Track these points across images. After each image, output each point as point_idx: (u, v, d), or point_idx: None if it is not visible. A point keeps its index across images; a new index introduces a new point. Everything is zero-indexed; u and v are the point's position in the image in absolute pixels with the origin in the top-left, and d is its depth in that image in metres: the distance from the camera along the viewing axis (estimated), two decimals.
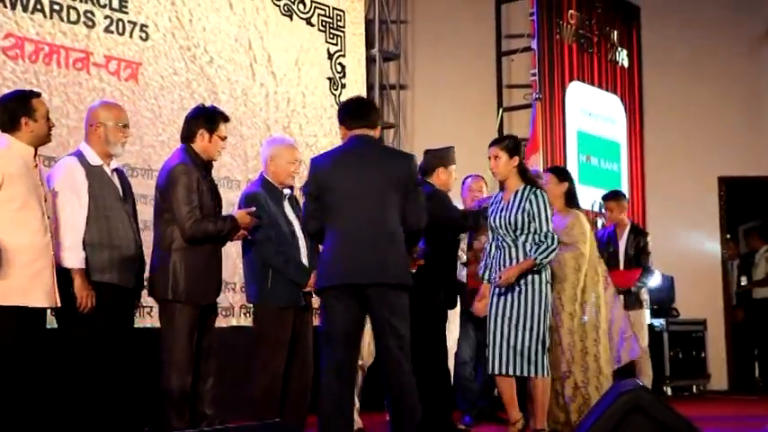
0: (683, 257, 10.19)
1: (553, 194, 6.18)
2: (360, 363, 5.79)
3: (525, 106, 9.16)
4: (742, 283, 10.92)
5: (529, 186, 5.47)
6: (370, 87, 9.32)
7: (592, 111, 9.62)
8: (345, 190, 4.49)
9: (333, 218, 4.50)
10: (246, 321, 7.04)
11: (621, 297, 6.94)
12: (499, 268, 5.46)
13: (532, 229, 5.41)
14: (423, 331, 5.24)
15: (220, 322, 6.71)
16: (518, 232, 5.43)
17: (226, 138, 5.09)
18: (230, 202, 6.20)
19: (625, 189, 10.00)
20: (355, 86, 8.70)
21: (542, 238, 5.37)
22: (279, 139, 5.80)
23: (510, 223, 5.43)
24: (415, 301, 4.66)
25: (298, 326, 5.16)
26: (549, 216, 5.42)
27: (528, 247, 5.39)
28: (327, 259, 4.50)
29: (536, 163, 8.14)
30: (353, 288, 4.42)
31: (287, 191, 5.35)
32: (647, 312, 8.10)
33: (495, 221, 5.51)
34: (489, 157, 5.56)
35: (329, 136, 8.34)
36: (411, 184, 4.60)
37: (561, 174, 6.47)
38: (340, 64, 8.61)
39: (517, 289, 5.38)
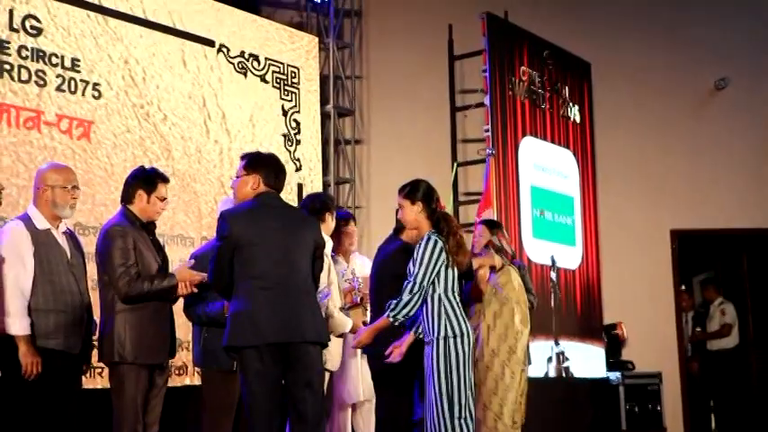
0: (637, 309, 10.26)
1: (481, 247, 6.31)
2: (361, 399, 5.94)
3: (479, 161, 9.22)
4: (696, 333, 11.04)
5: (429, 232, 4.91)
6: (325, 142, 9.39)
7: (545, 165, 9.70)
8: (264, 245, 4.39)
9: (248, 272, 4.38)
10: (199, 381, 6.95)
11: None
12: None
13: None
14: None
15: (174, 381, 6.74)
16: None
17: (165, 199, 5.08)
18: (184, 259, 6.11)
19: (579, 242, 10.09)
20: (310, 142, 8.77)
21: (407, 291, 4.79)
22: (230, 199, 5.76)
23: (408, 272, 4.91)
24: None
25: None
26: (427, 261, 4.77)
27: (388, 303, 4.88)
28: (245, 317, 4.34)
29: (490, 216, 8.14)
30: (275, 347, 4.32)
31: None
32: None
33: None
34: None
35: (284, 191, 8.25)
36: (319, 250, 4.64)
37: (492, 226, 6.47)
38: (295, 120, 8.65)
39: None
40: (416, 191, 5.00)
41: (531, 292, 6.61)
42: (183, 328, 6.55)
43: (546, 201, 9.64)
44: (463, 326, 4.79)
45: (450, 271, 4.84)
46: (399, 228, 5.72)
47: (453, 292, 4.85)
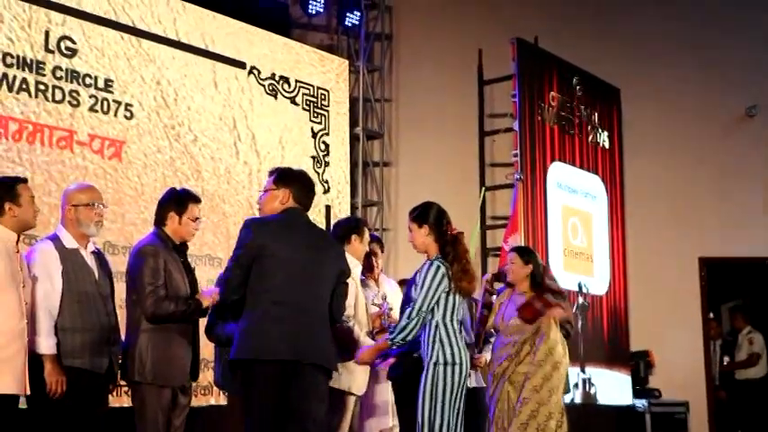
0: (665, 337, 10.18)
1: (518, 276, 6.06)
2: (389, 426, 5.82)
3: (507, 185, 9.22)
4: (724, 363, 10.92)
5: (434, 257, 4.84)
6: (353, 165, 9.43)
7: (574, 190, 9.68)
8: (285, 260, 4.28)
9: (264, 285, 4.26)
10: (224, 400, 6.92)
11: None
12: None
13: None
14: None
15: (198, 401, 6.82)
16: None
17: (198, 218, 5.08)
18: (212, 280, 6.20)
19: (607, 269, 10.04)
20: (339, 164, 8.80)
21: (405, 315, 4.77)
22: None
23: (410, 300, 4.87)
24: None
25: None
26: (427, 287, 4.73)
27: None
28: (255, 330, 4.25)
29: (515, 244, 8.09)
30: (282, 364, 4.22)
31: None
32: None
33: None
34: None
35: (312, 213, 8.24)
36: (343, 277, 4.55)
37: (525, 254, 6.20)
38: (324, 142, 8.68)
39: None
40: (425, 214, 4.91)
41: (568, 322, 6.44)
42: (209, 348, 6.60)
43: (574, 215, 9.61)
44: (456, 354, 4.72)
45: (451, 297, 4.78)
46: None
47: (452, 319, 4.78)
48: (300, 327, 4.24)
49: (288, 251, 4.29)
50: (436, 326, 4.74)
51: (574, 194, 9.71)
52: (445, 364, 4.68)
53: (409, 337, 4.74)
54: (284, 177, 4.58)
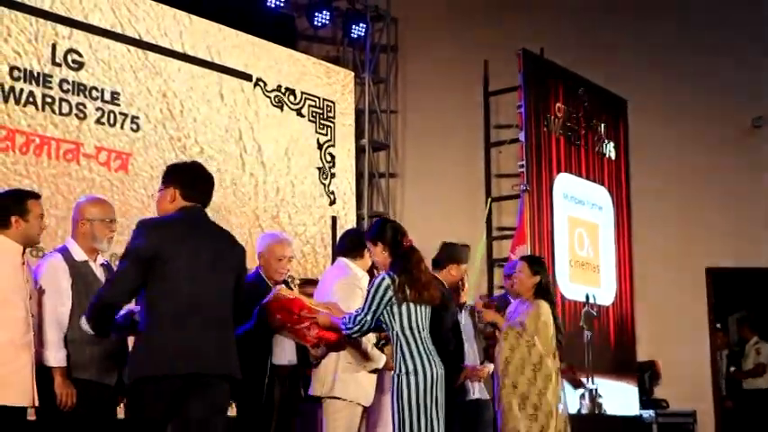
0: (672, 347, 10.15)
1: (524, 286, 6.03)
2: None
3: (514, 196, 9.20)
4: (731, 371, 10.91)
5: (383, 272, 4.82)
6: (359, 176, 9.45)
7: (580, 201, 9.68)
8: (182, 263, 3.92)
9: (158, 292, 3.89)
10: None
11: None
12: None
13: None
14: None
15: None
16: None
17: None
18: None
19: (613, 279, 10.03)
20: (345, 175, 8.85)
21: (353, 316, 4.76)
22: (273, 234, 5.79)
23: None
24: None
25: None
26: (369, 299, 4.70)
27: None
28: (154, 344, 3.88)
29: (524, 252, 8.05)
30: (179, 379, 3.87)
31: (280, 285, 5.27)
32: None
33: None
34: None
35: (318, 224, 8.40)
36: (243, 274, 4.30)
37: (535, 264, 6.14)
38: (330, 154, 8.72)
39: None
40: (377, 232, 4.90)
41: (559, 331, 6.36)
42: None
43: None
44: (418, 363, 4.67)
45: (404, 307, 4.72)
46: (439, 263, 5.86)
47: (412, 328, 4.72)
48: (202, 335, 3.91)
49: (184, 254, 3.94)
50: (396, 336, 4.73)
51: (580, 205, 9.71)
52: (407, 373, 4.65)
53: (353, 334, 4.78)
54: (169, 174, 4.21)
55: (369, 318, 4.71)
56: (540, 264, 6.20)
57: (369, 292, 4.74)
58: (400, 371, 4.66)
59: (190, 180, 4.16)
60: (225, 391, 4.01)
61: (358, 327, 4.73)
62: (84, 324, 4.08)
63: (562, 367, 6.18)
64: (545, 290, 6.05)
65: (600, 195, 10.06)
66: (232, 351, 4.05)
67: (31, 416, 4.52)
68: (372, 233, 4.93)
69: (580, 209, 9.69)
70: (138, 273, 3.89)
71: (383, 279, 4.74)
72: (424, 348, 4.72)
